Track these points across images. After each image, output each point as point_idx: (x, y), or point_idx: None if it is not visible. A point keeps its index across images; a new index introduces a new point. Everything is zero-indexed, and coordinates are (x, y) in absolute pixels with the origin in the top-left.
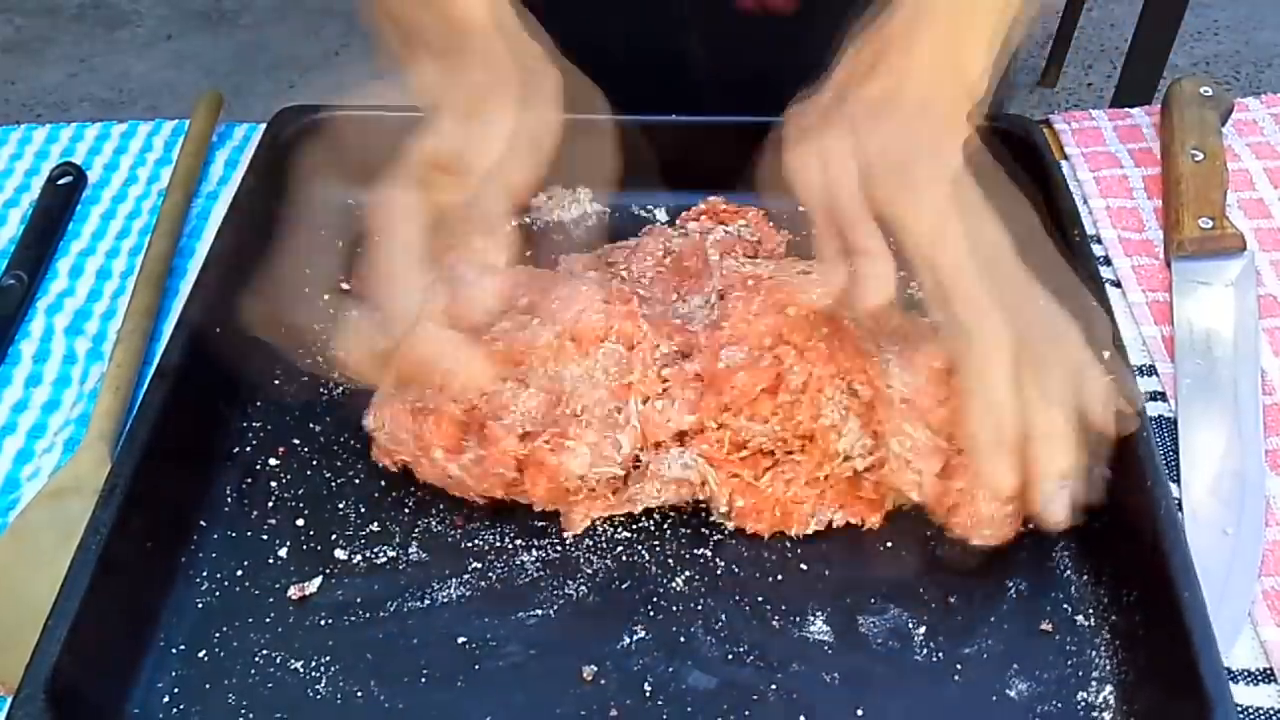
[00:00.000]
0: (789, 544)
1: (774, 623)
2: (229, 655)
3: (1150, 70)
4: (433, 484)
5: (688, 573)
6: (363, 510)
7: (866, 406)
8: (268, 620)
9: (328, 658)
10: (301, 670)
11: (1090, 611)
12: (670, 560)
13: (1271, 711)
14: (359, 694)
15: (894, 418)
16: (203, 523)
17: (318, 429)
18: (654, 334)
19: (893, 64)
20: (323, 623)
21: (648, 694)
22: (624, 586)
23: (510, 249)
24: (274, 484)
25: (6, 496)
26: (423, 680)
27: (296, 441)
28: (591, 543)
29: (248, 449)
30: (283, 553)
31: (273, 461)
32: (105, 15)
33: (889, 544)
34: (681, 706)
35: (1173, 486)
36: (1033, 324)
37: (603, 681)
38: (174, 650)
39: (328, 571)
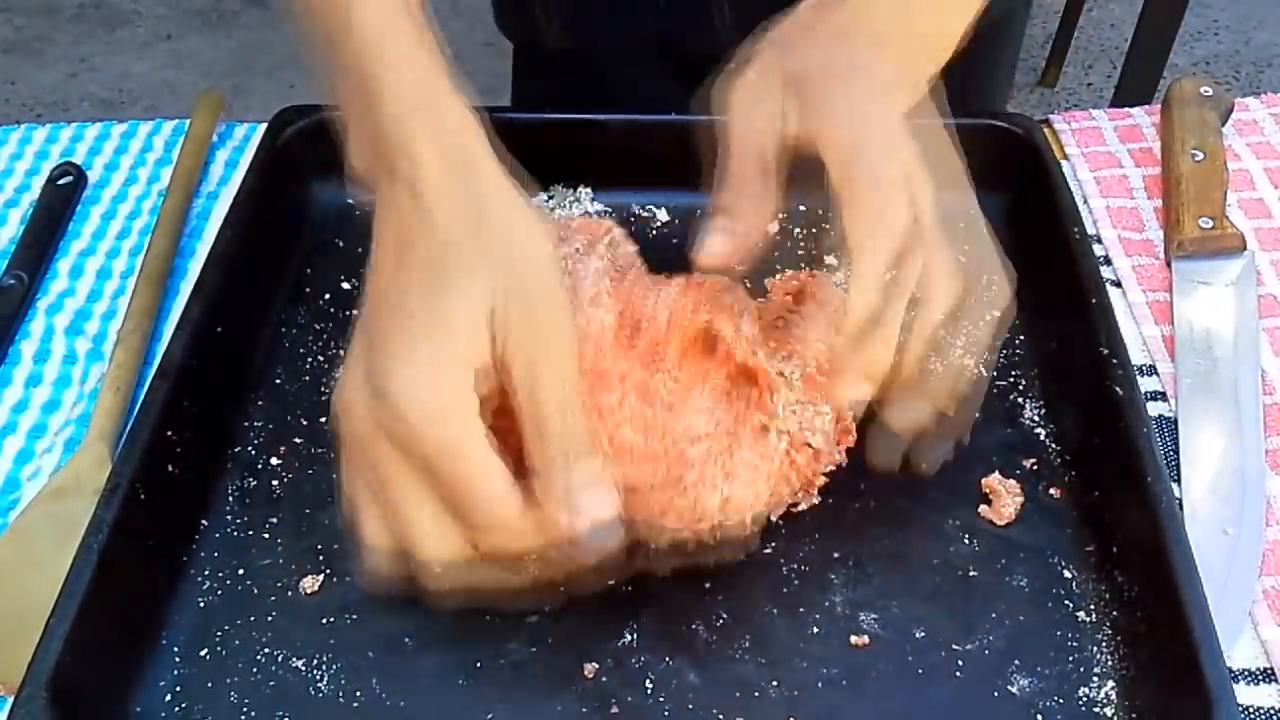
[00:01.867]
0: (790, 542)
1: (775, 620)
2: (231, 654)
3: (1150, 70)
4: None
5: (688, 571)
6: None
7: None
8: (269, 619)
9: (329, 656)
10: (303, 668)
11: (1091, 608)
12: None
13: (1272, 711)
14: (360, 692)
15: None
16: (204, 522)
17: (319, 428)
18: None
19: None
20: (324, 621)
21: (649, 691)
22: (624, 584)
23: None
24: (275, 483)
25: (7, 496)
26: (424, 678)
27: (298, 440)
28: None
29: (249, 448)
30: (284, 551)
31: (274, 460)
32: (105, 15)
33: (889, 542)
34: (683, 703)
35: (1173, 486)
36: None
37: (604, 679)
38: (176, 649)
39: (329, 570)
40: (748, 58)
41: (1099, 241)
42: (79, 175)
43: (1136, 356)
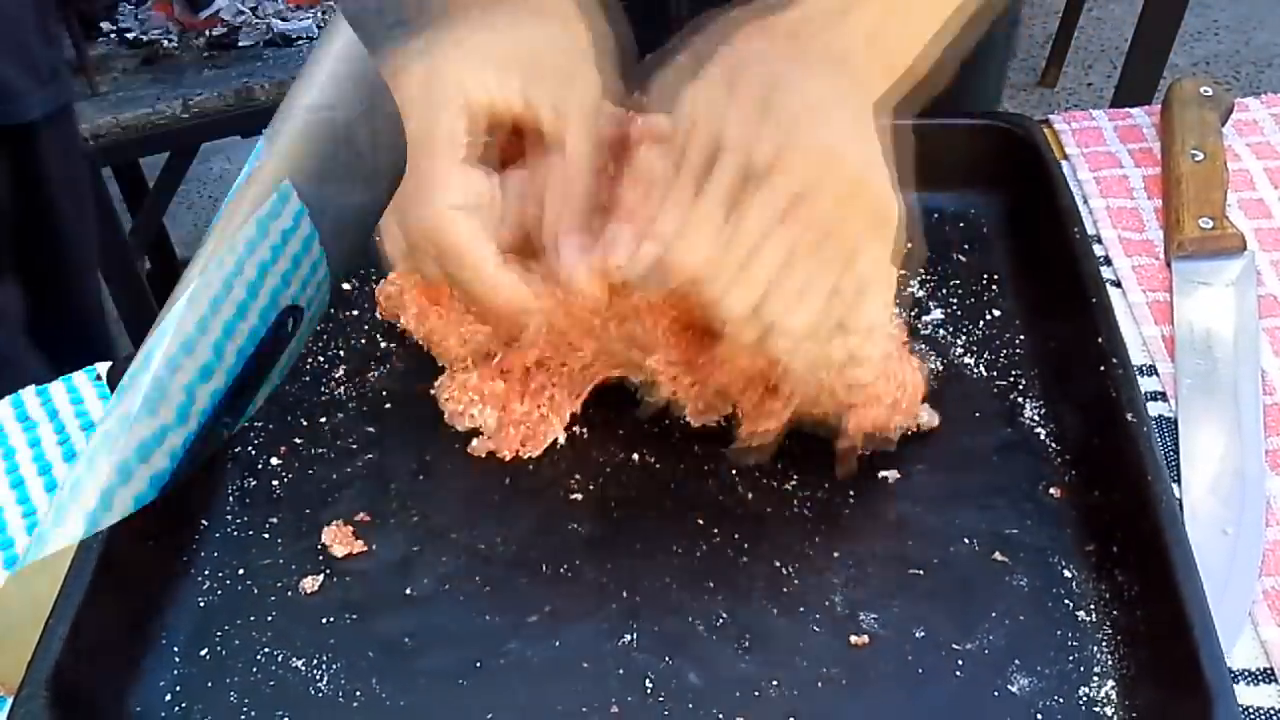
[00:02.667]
0: (790, 542)
1: (775, 619)
2: (230, 653)
3: (1150, 70)
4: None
5: (688, 570)
6: (364, 509)
7: None
8: (269, 618)
9: (329, 655)
10: (303, 668)
11: (1091, 607)
12: (670, 558)
13: (1272, 711)
14: (360, 692)
15: None
16: (204, 521)
17: (319, 428)
18: None
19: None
20: (324, 621)
21: (649, 690)
22: (624, 584)
23: None
24: (275, 483)
25: None
26: (424, 677)
27: (298, 440)
28: (592, 543)
29: (249, 448)
30: (284, 551)
31: (274, 460)
32: None
33: (889, 542)
34: (682, 703)
35: (1173, 486)
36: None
37: (604, 679)
38: (176, 648)
39: (329, 570)
40: (698, 53)
41: (1099, 242)
42: None
43: (1136, 356)
